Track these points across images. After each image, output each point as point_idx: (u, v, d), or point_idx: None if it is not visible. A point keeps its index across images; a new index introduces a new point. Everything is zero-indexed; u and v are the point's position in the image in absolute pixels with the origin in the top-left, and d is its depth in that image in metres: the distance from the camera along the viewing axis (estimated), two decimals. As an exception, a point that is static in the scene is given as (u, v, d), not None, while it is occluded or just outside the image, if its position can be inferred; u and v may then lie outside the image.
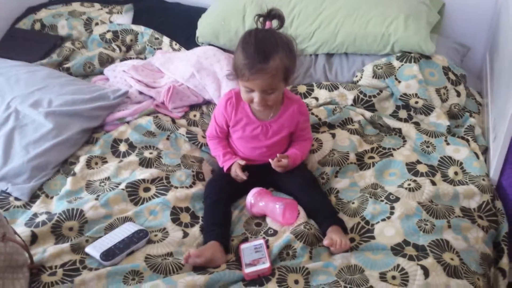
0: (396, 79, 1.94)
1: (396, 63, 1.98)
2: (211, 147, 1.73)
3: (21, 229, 1.47)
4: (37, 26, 2.48)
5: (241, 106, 1.62)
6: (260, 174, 1.64)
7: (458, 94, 1.95)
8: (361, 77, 2.00)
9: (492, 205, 1.56)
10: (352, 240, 1.46)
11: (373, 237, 1.44)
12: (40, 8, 2.57)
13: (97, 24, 2.48)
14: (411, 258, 1.35)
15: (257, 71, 1.44)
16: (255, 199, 1.54)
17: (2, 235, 1.24)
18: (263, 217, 1.55)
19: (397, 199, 1.53)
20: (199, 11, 2.35)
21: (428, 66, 1.98)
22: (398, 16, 2.00)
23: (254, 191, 1.56)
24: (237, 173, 1.60)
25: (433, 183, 1.59)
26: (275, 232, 1.47)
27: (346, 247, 1.40)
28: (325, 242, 1.41)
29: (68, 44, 2.39)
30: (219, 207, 1.55)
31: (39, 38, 2.43)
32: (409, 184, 1.58)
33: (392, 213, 1.49)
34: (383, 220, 1.48)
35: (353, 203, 1.56)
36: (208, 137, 1.74)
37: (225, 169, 1.65)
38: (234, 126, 1.65)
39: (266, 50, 1.45)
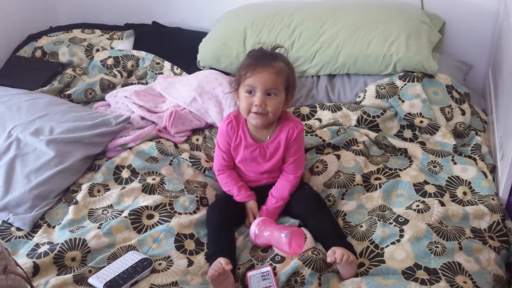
0: (400, 98, 1.92)
1: (399, 83, 1.96)
2: (222, 181, 1.68)
3: (23, 260, 1.44)
4: (38, 53, 2.49)
5: (240, 130, 1.63)
6: (265, 195, 1.63)
7: (463, 113, 1.93)
8: (364, 98, 1.99)
9: (502, 225, 1.53)
10: (362, 265, 1.42)
11: (383, 261, 1.41)
12: (41, 36, 2.58)
13: (98, 50, 2.48)
14: (423, 282, 1.32)
15: (263, 64, 1.53)
16: (260, 229, 1.50)
17: (4, 268, 1.21)
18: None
19: (406, 221, 1.50)
20: (200, 36, 2.36)
21: (431, 85, 1.96)
22: (399, 36, 2.00)
23: (257, 220, 1.53)
24: (250, 217, 1.60)
25: (442, 204, 1.56)
26: (282, 259, 1.43)
27: (351, 261, 1.36)
28: (329, 259, 1.38)
29: (69, 71, 2.39)
30: (223, 232, 1.53)
31: (40, 65, 2.43)
32: (417, 206, 1.56)
33: (401, 236, 1.46)
34: (393, 243, 1.44)
35: (361, 226, 1.54)
36: (217, 170, 1.70)
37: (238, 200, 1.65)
38: (234, 150, 1.64)
39: (271, 54, 1.58)
